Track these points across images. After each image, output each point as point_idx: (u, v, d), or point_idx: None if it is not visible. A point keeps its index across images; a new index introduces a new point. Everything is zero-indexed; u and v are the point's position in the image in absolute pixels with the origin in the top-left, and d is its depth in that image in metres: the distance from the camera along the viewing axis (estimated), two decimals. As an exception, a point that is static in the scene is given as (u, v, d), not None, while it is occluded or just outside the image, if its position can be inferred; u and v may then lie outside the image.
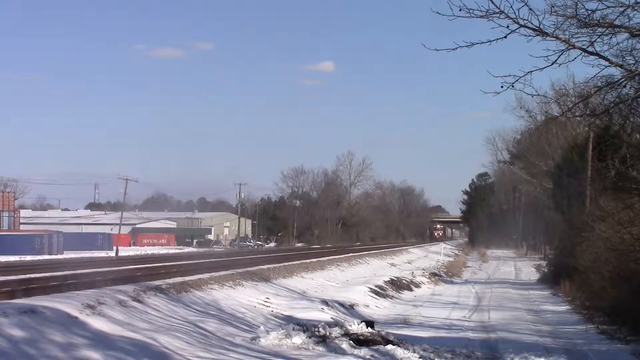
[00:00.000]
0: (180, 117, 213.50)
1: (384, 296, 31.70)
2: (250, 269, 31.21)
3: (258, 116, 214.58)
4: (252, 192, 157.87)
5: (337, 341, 15.50)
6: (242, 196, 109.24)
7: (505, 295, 34.46)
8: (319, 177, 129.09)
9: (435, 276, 46.49)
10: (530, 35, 10.75)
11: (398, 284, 37.05)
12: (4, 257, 47.27)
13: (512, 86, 10.91)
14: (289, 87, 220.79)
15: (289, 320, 19.98)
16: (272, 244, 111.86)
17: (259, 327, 17.56)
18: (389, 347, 15.43)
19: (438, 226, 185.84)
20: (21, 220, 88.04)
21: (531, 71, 10.92)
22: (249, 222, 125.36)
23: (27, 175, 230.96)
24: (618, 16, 10.84)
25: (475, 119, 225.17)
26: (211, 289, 22.80)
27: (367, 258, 55.40)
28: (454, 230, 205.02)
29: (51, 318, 13.33)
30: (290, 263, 38.11)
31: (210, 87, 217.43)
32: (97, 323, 14.15)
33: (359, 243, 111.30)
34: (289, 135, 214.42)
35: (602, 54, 11.18)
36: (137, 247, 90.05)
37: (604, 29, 10.96)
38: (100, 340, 13.07)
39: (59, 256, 55.74)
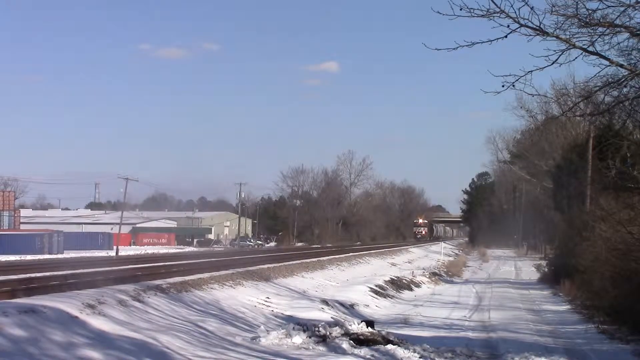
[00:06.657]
0: (180, 116, 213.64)
1: (384, 296, 31.70)
2: (250, 268, 31.22)
3: (258, 116, 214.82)
4: (252, 191, 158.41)
5: (337, 341, 15.50)
6: (243, 196, 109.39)
7: (506, 295, 34.45)
8: (319, 177, 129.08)
9: (435, 276, 46.49)
10: (530, 35, 10.77)
11: (398, 284, 37.06)
12: (4, 257, 47.28)
13: (513, 86, 10.92)
14: (290, 87, 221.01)
15: (289, 319, 19.98)
16: (273, 244, 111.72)
17: (260, 326, 17.56)
18: (389, 346, 15.42)
19: (420, 221, 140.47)
20: (21, 220, 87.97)
21: (532, 71, 10.93)
22: (249, 221, 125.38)
23: (27, 174, 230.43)
24: (619, 16, 10.86)
25: (475, 119, 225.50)
26: (212, 288, 22.82)
27: (367, 258, 55.37)
28: (454, 229, 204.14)
29: (52, 317, 13.33)
30: (290, 263, 38.09)
31: (211, 87, 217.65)
32: (97, 322, 14.16)
33: (359, 243, 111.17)
34: (289, 135, 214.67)
35: (602, 53, 11.19)
36: (138, 246, 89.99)
37: (605, 29, 10.97)
38: (100, 339, 13.07)
39: (59, 255, 55.69)
